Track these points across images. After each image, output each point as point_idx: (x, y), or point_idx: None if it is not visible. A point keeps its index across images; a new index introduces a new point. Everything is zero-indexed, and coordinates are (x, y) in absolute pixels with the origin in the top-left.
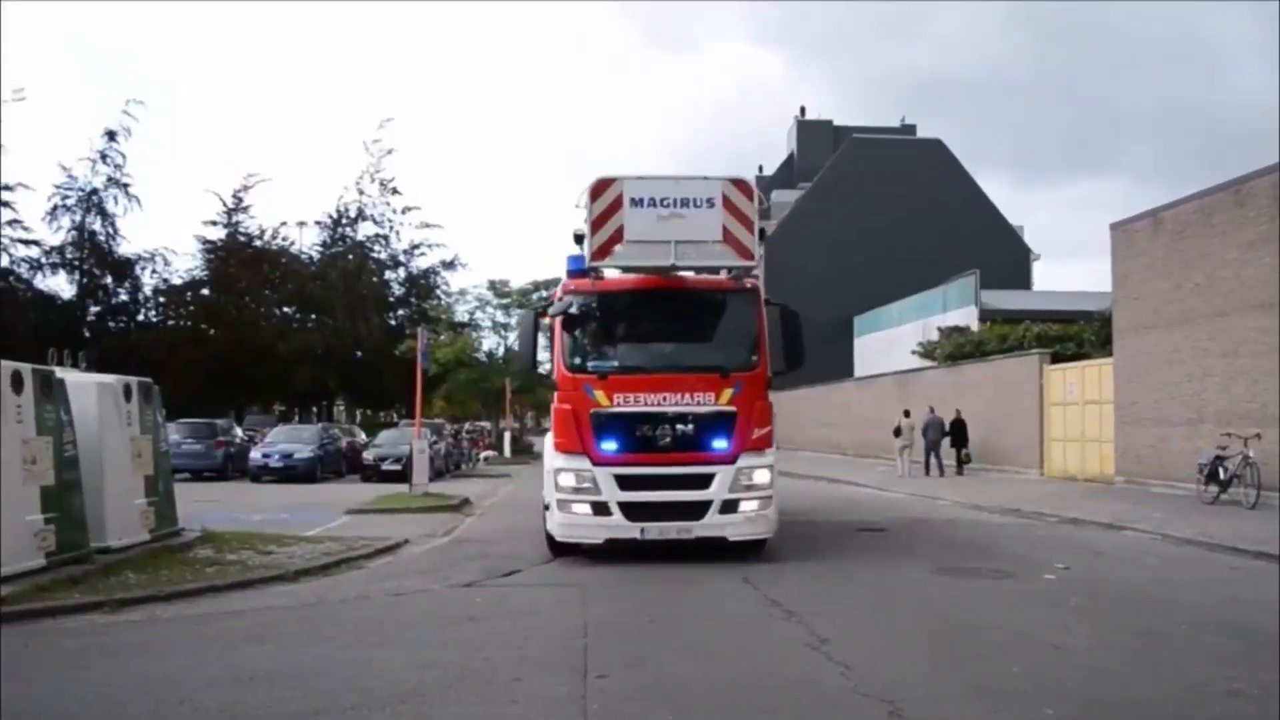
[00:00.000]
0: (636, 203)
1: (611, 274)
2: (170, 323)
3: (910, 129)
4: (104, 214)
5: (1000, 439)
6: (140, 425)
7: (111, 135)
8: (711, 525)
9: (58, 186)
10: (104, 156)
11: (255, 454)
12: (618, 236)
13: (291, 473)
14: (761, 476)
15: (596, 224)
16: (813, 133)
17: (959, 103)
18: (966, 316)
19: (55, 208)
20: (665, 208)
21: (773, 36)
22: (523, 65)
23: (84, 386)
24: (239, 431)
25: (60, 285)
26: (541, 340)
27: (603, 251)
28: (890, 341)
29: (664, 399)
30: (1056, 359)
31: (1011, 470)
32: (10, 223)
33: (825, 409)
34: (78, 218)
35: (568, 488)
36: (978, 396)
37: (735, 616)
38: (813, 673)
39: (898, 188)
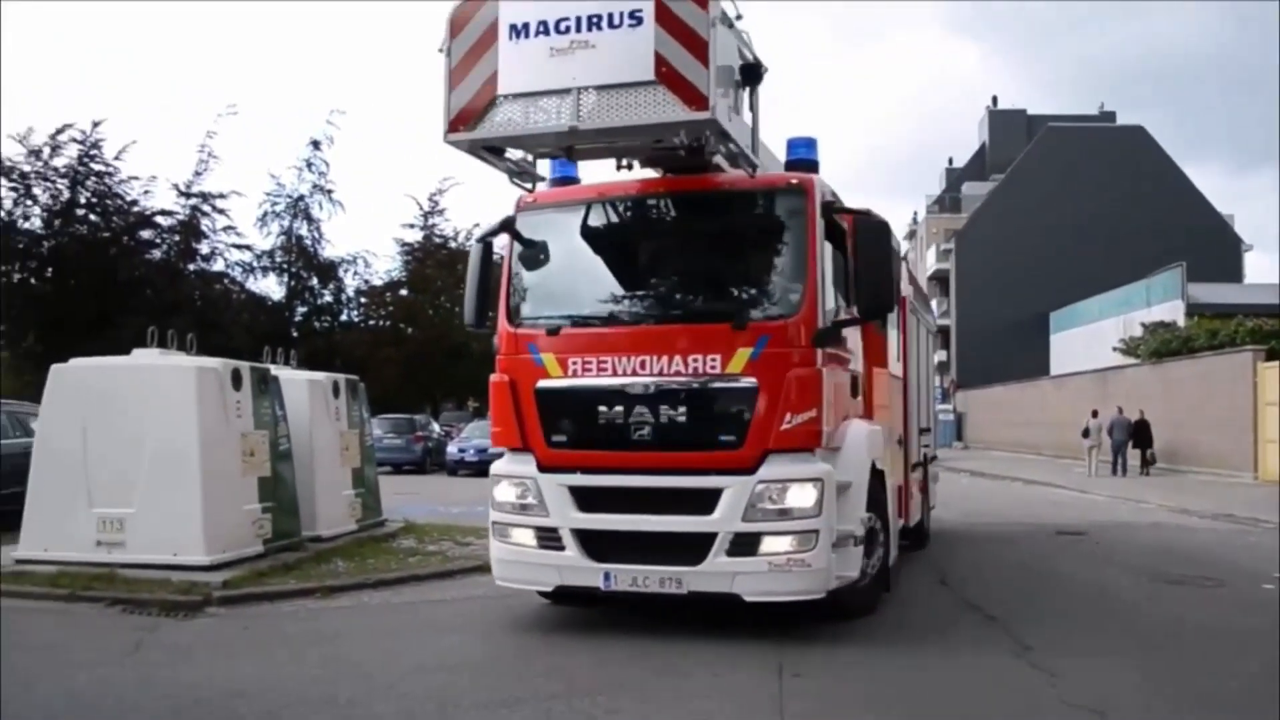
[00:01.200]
0: (517, 32)
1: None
2: (370, 322)
3: (1109, 116)
4: (310, 219)
5: (1206, 439)
6: (347, 420)
7: (316, 144)
8: (715, 574)
9: (267, 194)
10: (309, 164)
11: (452, 449)
12: (489, 91)
13: (487, 467)
14: (800, 496)
15: (458, 75)
16: (1006, 122)
17: (1163, 88)
18: (1172, 311)
19: (265, 214)
20: (562, 34)
21: (966, 26)
22: None
23: (296, 383)
24: (436, 427)
25: (270, 287)
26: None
27: (465, 118)
28: (1089, 338)
29: (640, 366)
30: (1272, 356)
31: (1219, 473)
32: (225, 229)
33: (1020, 408)
34: (286, 223)
35: (506, 504)
36: (1183, 395)
37: (933, 619)
38: (1018, 680)
39: (1097, 177)
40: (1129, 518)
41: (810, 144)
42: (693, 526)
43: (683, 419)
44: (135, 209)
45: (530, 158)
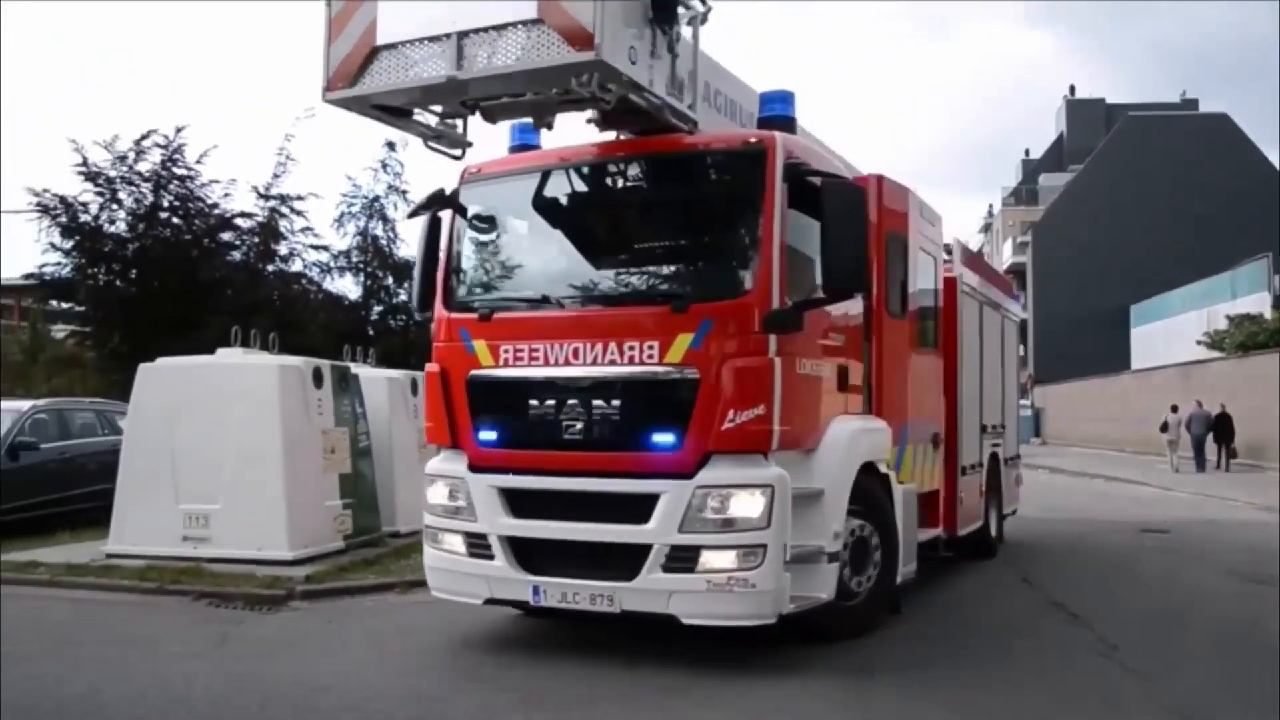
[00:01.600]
0: None
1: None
2: None
3: (1192, 104)
4: (385, 219)
5: None
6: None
7: (391, 145)
8: (649, 591)
9: (344, 195)
10: (384, 165)
11: None
12: (368, 42)
13: None
14: (745, 505)
15: (337, 25)
16: (1084, 112)
17: (1247, 74)
18: (1259, 303)
19: (342, 215)
20: None
21: (1041, 15)
22: (779, 55)
23: (375, 381)
24: None
25: (347, 286)
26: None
27: (344, 73)
28: (1171, 331)
29: (574, 354)
30: None
31: None
32: (303, 230)
33: (1100, 403)
34: (362, 224)
35: (438, 506)
36: (1270, 389)
37: (1016, 618)
38: (1106, 680)
39: (1179, 167)
40: (1214, 515)
41: (786, 99)
42: (626, 537)
43: (617, 415)
44: (216, 211)
45: (460, 120)
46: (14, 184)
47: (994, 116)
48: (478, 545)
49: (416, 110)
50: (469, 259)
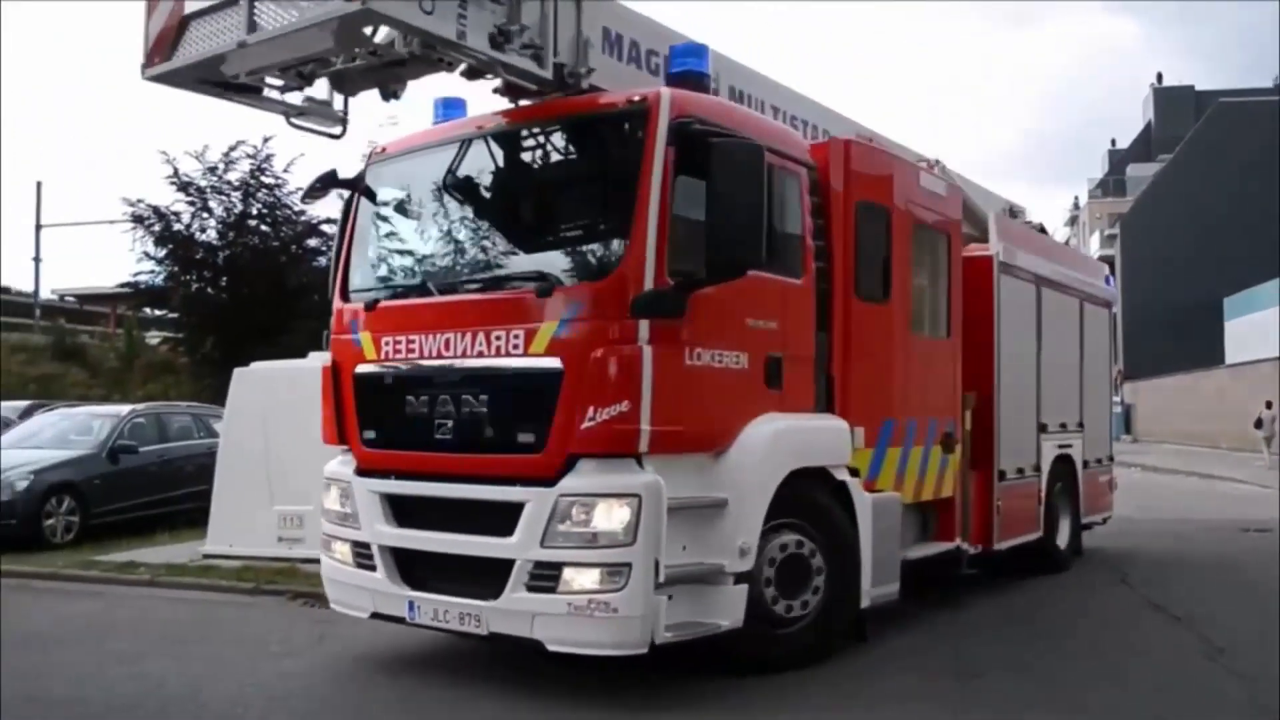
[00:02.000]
0: None
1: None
2: None
3: None
4: None
5: None
6: None
7: None
8: (513, 613)
9: None
10: None
11: None
12: (177, 14)
13: None
14: (607, 517)
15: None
16: (1172, 100)
17: None
18: None
19: None
20: None
21: (1123, 2)
22: (860, 51)
23: None
24: None
25: None
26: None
27: (160, 46)
28: (1267, 324)
29: (445, 346)
30: None
31: None
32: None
33: (1193, 398)
34: None
35: (331, 512)
36: None
37: (1116, 619)
38: (1213, 684)
39: (1271, 154)
40: None
41: (698, 51)
42: (491, 550)
43: (485, 412)
44: (302, 218)
45: (334, 95)
46: (109, 195)
47: (1079, 107)
48: (362, 555)
49: (268, 86)
50: (362, 245)
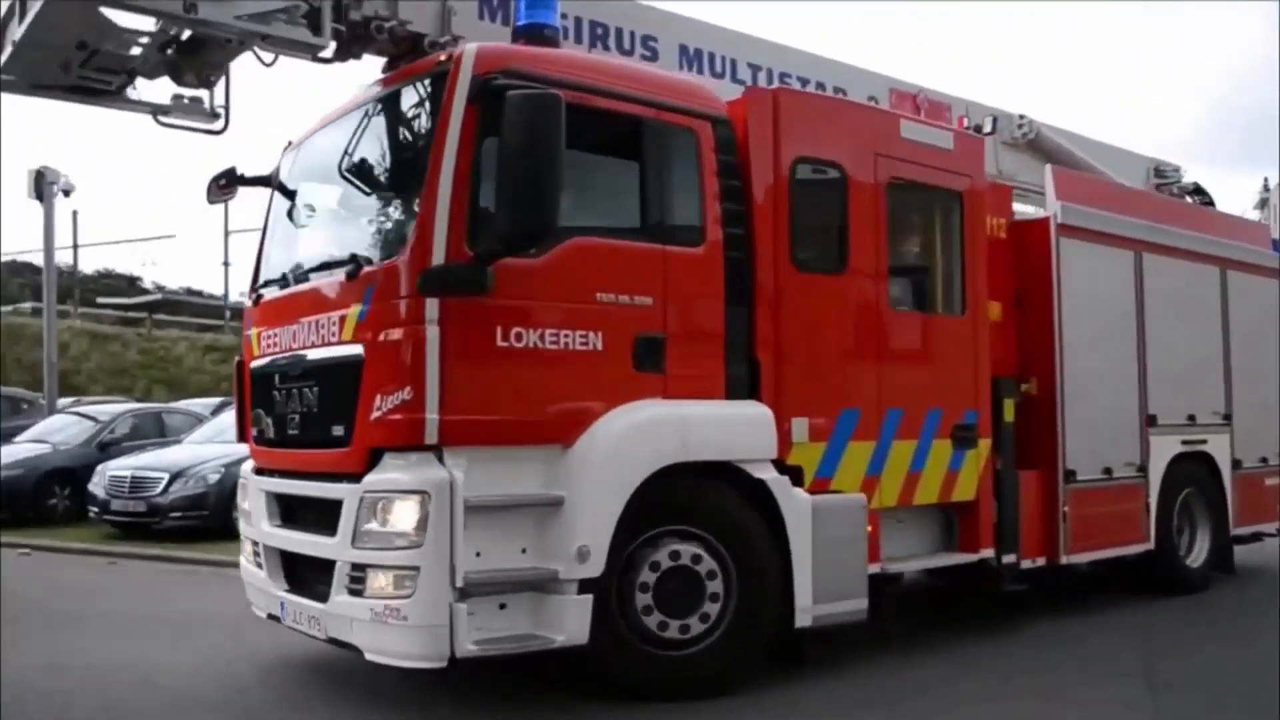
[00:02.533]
0: None
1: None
2: None
3: None
4: None
5: None
6: None
7: None
8: (338, 617)
9: None
10: None
11: None
12: None
13: None
14: (399, 516)
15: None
16: None
17: None
18: None
19: None
20: None
21: None
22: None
23: None
24: None
25: None
26: None
27: None
28: None
29: (293, 337)
30: None
31: None
32: None
33: None
34: None
35: (241, 510)
36: None
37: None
38: None
39: None
40: None
41: (548, 3)
42: (320, 550)
43: (315, 405)
44: None
45: (206, 93)
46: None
47: (1271, 82)
48: (255, 554)
49: (131, 86)
50: (267, 240)
